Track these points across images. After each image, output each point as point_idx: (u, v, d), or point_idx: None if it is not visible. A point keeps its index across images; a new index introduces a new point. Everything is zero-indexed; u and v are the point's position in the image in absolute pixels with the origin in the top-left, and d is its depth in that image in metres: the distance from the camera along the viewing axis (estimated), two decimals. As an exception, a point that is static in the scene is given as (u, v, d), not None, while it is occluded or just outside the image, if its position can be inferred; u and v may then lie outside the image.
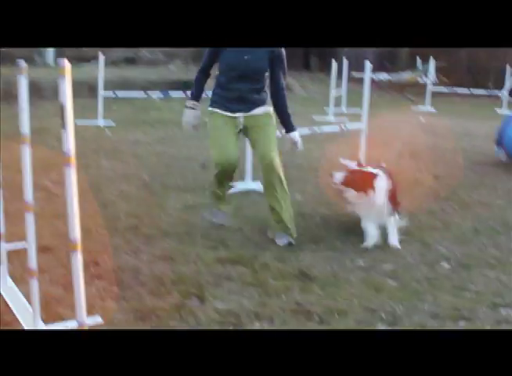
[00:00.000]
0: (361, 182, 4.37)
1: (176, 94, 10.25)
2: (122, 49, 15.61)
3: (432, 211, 5.39)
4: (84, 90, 11.58)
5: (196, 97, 4.47)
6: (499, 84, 15.59)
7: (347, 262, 4.13)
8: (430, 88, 15.05)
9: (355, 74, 14.25)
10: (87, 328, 2.38)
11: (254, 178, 6.04)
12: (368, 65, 6.81)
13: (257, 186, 5.68)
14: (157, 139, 8.79)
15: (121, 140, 8.47)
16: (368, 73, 6.79)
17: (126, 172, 6.50)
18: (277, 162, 4.31)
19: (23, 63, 2.86)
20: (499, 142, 7.80)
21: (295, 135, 4.45)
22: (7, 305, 3.29)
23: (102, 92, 10.03)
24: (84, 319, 2.36)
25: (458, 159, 7.74)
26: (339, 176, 4.44)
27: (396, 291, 3.69)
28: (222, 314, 3.31)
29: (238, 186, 5.98)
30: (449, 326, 3.25)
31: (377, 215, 4.41)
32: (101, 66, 10.12)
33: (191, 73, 14.32)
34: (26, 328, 3.01)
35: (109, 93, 10.24)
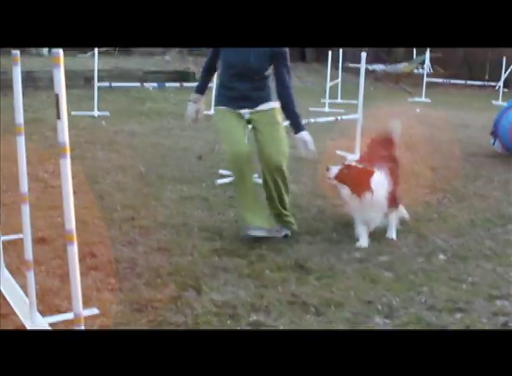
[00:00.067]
0: (357, 180, 4.18)
1: (171, 84, 10.22)
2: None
3: (428, 202, 5.39)
4: (80, 81, 11.55)
5: (200, 90, 4.41)
6: (496, 76, 15.59)
7: (343, 253, 4.14)
8: (426, 79, 15.02)
9: (351, 65, 14.28)
10: (83, 321, 2.38)
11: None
12: (364, 56, 6.80)
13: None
14: (153, 129, 8.76)
15: (117, 131, 8.44)
16: (363, 64, 6.78)
17: (122, 163, 6.48)
18: (283, 164, 4.14)
19: (16, 52, 2.86)
20: (495, 134, 7.80)
21: (303, 135, 4.13)
22: (4, 298, 3.28)
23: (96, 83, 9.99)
24: (81, 310, 2.36)
25: (454, 150, 7.74)
26: (334, 171, 4.27)
27: (392, 283, 3.70)
28: (219, 305, 3.31)
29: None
30: (445, 318, 3.26)
31: (372, 217, 4.25)
32: (96, 56, 10.07)
33: (186, 63, 14.39)
34: (28, 329, 3.00)
35: (105, 84, 10.21)
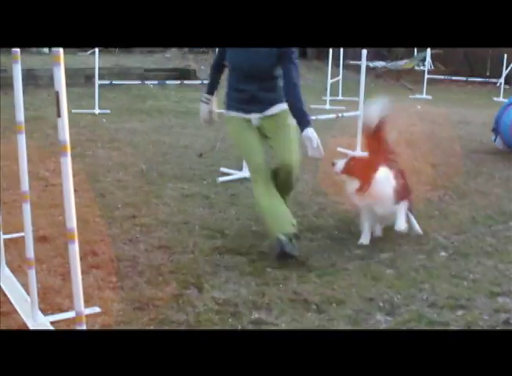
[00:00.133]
0: (365, 169, 4.09)
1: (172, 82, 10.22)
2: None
3: (429, 199, 5.39)
4: (81, 79, 11.55)
5: (210, 90, 4.35)
6: (497, 73, 15.57)
7: (344, 251, 4.14)
8: (427, 75, 15.00)
9: (352, 62, 14.25)
10: (84, 319, 2.38)
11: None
12: (364, 53, 6.79)
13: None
14: (154, 127, 8.76)
15: (118, 129, 8.44)
16: (364, 61, 6.78)
17: (123, 161, 6.48)
18: (296, 165, 4.03)
19: (16, 50, 2.87)
20: (496, 130, 7.79)
21: (308, 132, 3.84)
22: (5, 296, 3.29)
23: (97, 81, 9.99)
24: (82, 309, 2.36)
25: (455, 147, 7.74)
26: (341, 165, 4.19)
27: (394, 280, 3.70)
28: (220, 303, 3.31)
29: (235, 175, 5.98)
30: (447, 315, 3.26)
31: (380, 210, 4.15)
32: (96, 54, 10.07)
33: (187, 61, 14.38)
34: (31, 328, 3.00)
35: (106, 82, 10.21)
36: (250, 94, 4.05)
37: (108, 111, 9.79)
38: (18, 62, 2.91)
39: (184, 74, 13.27)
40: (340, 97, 12.94)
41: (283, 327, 3.09)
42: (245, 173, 6.01)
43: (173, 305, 3.28)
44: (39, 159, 5.95)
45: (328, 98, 12.09)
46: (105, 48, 12.53)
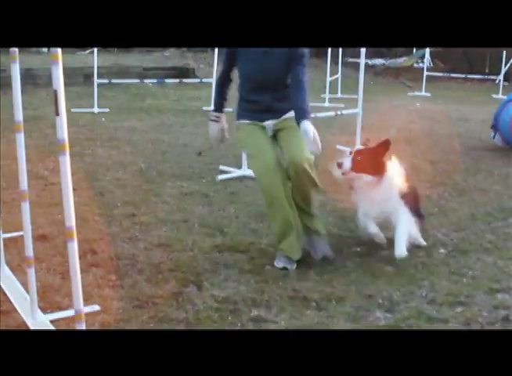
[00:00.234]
0: (374, 158, 3.85)
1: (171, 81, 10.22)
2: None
3: (429, 197, 5.38)
4: (79, 78, 11.54)
5: (218, 108, 4.11)
6: (496, 70, 15.58)
7: (344, 248, 4.14)
8: (426, 73, 15.00)
9: (350, 60, 14.25)
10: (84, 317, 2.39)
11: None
12: (363, 51, 6.79)
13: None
14: (153, 126, 8.76)
15: (117, 128, 8.44)
16: (363, 58, 6.78)
17: (122, 160, 6.48)
18: (307, 163, 3.78)
19: (15, 50, 2.87)
20: (495, 127, 7.80)
21: (304, 124, 3.67)
22: (4, 295, 3.29)
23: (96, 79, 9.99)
24: (82, 307, 2.36)
25: (454, 144, 7.74)
26: (348, 162, 3.89)
27: (393, 277, 3.70)
28: (220, 301, 3.32)
29: (234, 173, 5.98)
30: (446, 311, 3.26)
31: (388, 207, 3.92)
32: (95, 53, 10.07)
33: (186, 59, 14.38)
34: (31, 327, 3.01)
35: (105, 80, 10.21)
36: (264, 105, 3.91)
37: (107, 110, 9.79)
38: (16, 61, 2.91)
39: (183, 72, 13.27)
40: (339, 95, 12.95)
41: (283, 324, 3.09)
42: (244, 171, 6.02)
43: (172, 302, 3.28)
44: (38, 158, 5.96)
45: (327, 96, 12.10)
46: (103, 48, 12.53)
